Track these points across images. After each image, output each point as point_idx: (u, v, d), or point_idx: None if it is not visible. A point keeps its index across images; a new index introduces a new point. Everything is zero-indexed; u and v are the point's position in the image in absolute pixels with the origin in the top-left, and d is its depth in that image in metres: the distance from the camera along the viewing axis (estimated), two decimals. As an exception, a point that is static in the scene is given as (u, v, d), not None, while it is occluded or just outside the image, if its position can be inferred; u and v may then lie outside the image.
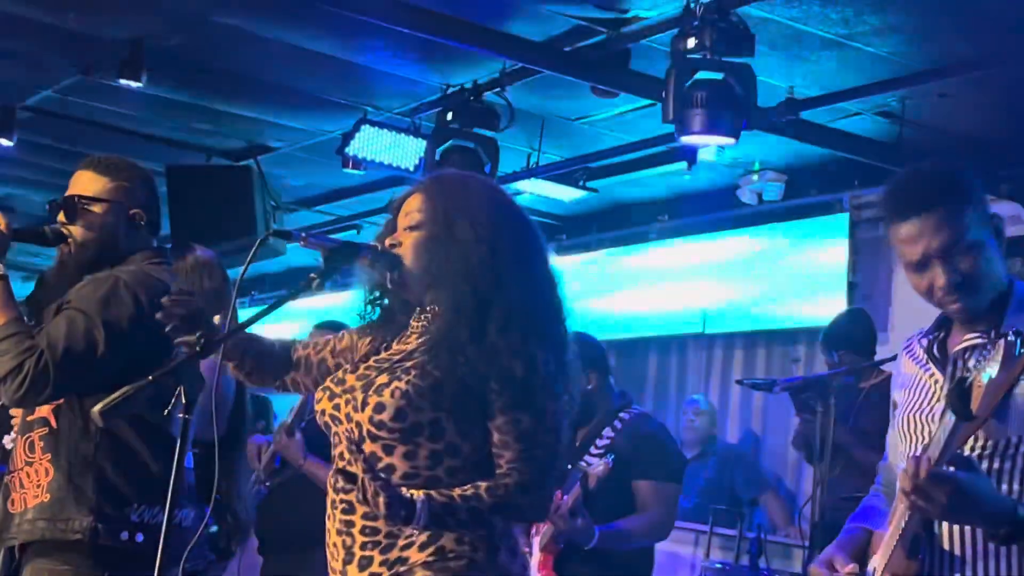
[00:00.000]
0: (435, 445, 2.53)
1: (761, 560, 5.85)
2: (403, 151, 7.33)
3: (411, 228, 2.68)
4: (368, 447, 2.56)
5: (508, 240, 2.61)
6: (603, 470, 4.49)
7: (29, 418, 3.25)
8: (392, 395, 2.53)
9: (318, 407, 2.69)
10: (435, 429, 2.53)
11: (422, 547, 2.51)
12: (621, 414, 4.75)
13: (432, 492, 2.46)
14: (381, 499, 2.38)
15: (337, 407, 2.63)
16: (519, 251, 2.62)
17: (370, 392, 2.56)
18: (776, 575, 5.80)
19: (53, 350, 3.06)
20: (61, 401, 3.18)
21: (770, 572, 5.82)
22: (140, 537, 3.14)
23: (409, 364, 2.59)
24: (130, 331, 3.14)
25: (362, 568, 2.54)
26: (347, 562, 2.56)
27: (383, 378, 2.58)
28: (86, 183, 3.35)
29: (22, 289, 3.38)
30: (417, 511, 2.42)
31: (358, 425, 2.57)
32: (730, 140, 5.59)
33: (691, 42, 5.30)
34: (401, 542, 2.52)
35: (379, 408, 2.53)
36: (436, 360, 2.55)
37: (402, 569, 2.51)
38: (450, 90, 6.89)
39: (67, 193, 3.37)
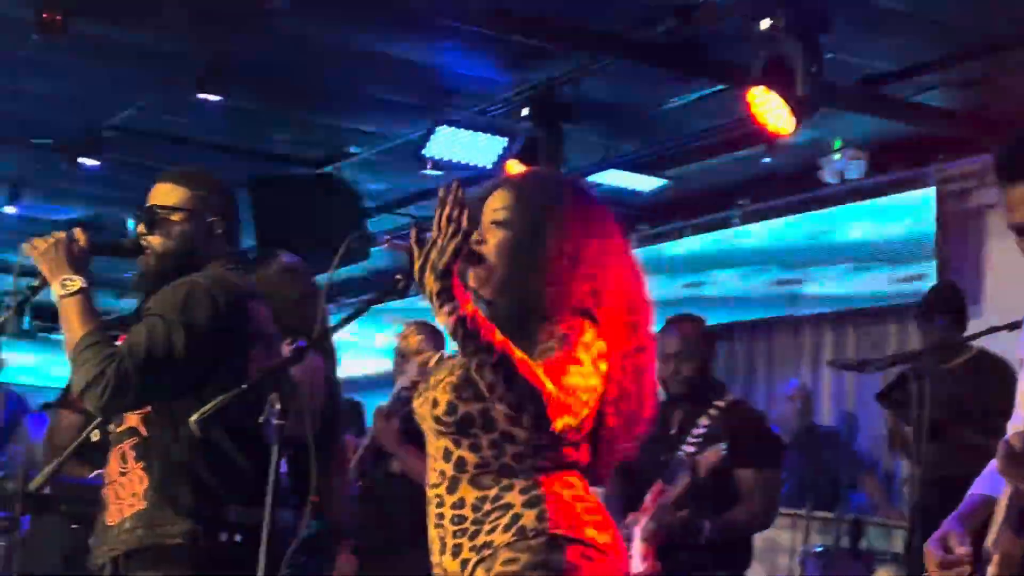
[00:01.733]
0: (491, 435, 2.55)
1: (861, 542, 5.79)
2: (481, 150, 7.35)
3: (497, 225, 2.68)
4: (441, 443, 2.61)
5: (585, 244, 2.62)
6: (716, 459, 4.47)
7: (118, 429, 3.28)
8: (444, 389, 2.58)
9: (414, 405, 2.74)
10: (486, 419, 2.54)
11: (505, 528, 2.52)
12: (716, 402, 4.73)
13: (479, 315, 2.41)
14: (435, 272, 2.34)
15: (421, 404, 2.68)
16: (593, 254, 2.63)
17: (434, 389, 2.62)
18: (877, 556, 5.73)
19: (134, 355, 3.09)
20: (149, 409, 3.20)
21: (870, 553, 5.76)
22: (239, 537, 3.17)
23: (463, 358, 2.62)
24: (209, 334, 3.16)
25: (455, 556, 2.57)
26: (442, 552, 2.60)
27: (443, 374, 2.64)
28: (165, 194, 3.39)
29: (110, 304, 3.42)
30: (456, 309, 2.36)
31: (429, 422, 2.63)
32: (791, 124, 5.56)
33: (765, 23, 5.26)
34: (487, 526, 2.54)
35: (435, 403, 2.59)
36: None
37: (488, 553, 2.52)
38: (524, 87, 6.90)
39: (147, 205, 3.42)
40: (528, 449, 2.55)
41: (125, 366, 3.06)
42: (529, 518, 2.51)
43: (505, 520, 2.53)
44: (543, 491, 2.54)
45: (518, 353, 2.40)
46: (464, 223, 2.39)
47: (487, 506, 2.55)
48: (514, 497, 2.54)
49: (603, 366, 2.56)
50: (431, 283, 2.37)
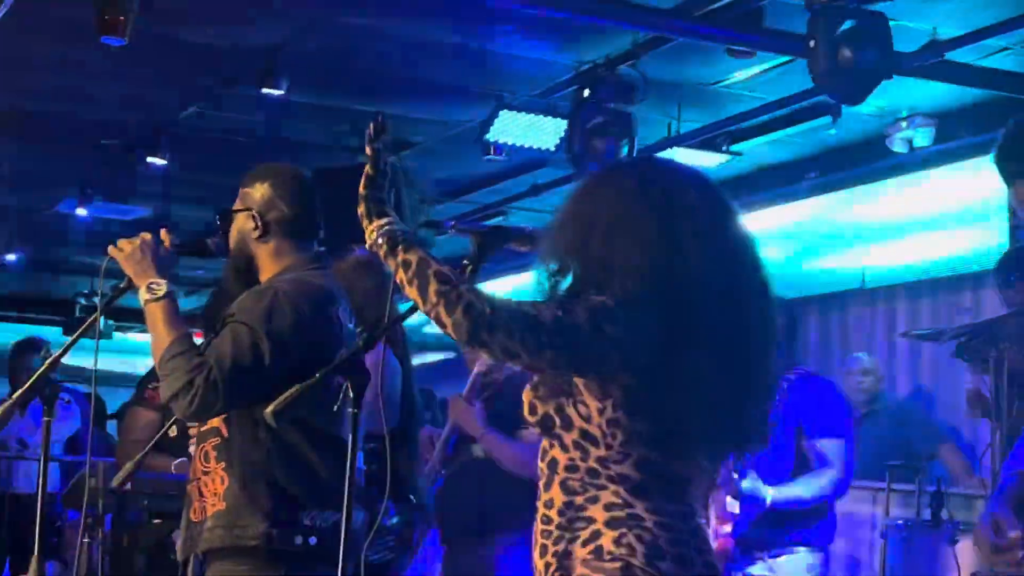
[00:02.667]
0: (571, 434, 2.50)
1: (943, 513, 5.71)
2: (542, 133, 7.33)
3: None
4: (543, 439, 2.59)
5: (627, 219, 2.49)
6: None
7: (202, 429, 3.33)
8: (527, 388, 2.56)
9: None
10: (563, 417, 2.49)
11: (584, 543, 2.47)
12: (787, 375, 4.72)
13: (399, 233, 2.57)
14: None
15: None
16: (646, 228, 2.49)
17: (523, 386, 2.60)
18: (960, 527, 5.66)
19: (221, 365, 3.12)
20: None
21: (953, 524, 5.68)
22: (313, 540, 3.19)
23: None
24: (293, 341, 3.18)
25: (541, 555, 2.54)
26: (535, 545, 2.58)
27: None
28: (240, 195, 3.44)
29: (185, 303, 3.44)
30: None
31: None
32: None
33: (826, -8, 5.20)
34: (568, 535, 2.49)
35: (521, 403, 2.57)
36: None
37: (567, 562, 2.49)
38: (584, 67, 6.86)
39: None
40: (612, 454, 2.47)
41: (213, 376, 3.09)
42: (608, 540, 2.44)
43: (585, 534, 2.47)
44: (627, 513, 2.46)
45: (440, 268, 2.43)
46: (368, 151, 2.62)
47: (571, 513, 2.49)
48: (597, 512, 2.47)
49: (609, 330, 2.40)
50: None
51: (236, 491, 3.21)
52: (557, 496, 2.52)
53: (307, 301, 3.24)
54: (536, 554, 2.56)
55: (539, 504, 2.56)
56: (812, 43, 5.34)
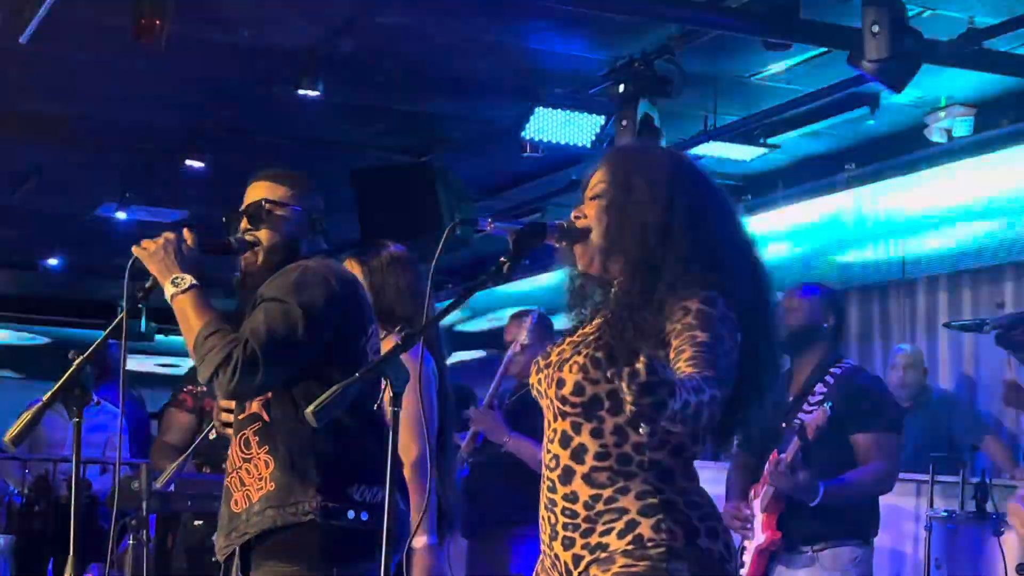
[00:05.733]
0: (618, 419, 2.53)
1: (987, 504, 5.68)
2: (579, 129, 7.34)
3: (594, 198, 2.67)
4: (560, 425, 2.59)
5: (684, 198, 2.59)
6: (821, 418, 4.44)
7: (240, 417, 3.32)
8: (571, 369, 2.56)
9: (531, 380, 2.74)
10: (615, 401, 2.50)
11: (620, 535, 2.50)
12: (832, 369, 4.71)
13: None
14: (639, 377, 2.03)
15: (540, 381, 2.68)
16: (696, 208, 2.60)
17: (559, 369, 2.60)
18: (1005, 519, 5.61)
19: (257, 336, 3.12)
20: (269, 395, 3.24)
21: (998, 516, 5.64)
22: (364, 516, 3.19)
23: (591, 338, 2.61)
24: (325, 311, 3.20)
25: (565, 547, 2.56)
26: (552, 538, 2.59)
27: (569, 353, 2.61)
28: (266, 191, 3.44)
29: (224, 305, 3.45)
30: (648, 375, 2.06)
31: (551, 402, 2.62)
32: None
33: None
34: (599, 528, 2.52)
35: (560, 383, 2.56)
36: (611, 327, 2.55)
37: (603, 555, 2.51)
38: (619, 62, 6.85)
39: (246, 203, 3.46)
40: (652, 440, 2.52)
41: (251, 347, 3.10)
42: (646, 527, 2.49)
43: (620, 525, 2.50)
44: (659, 500, 2.52)
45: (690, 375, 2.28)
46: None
47: (599, 506, 2.53)
48: (629, 502, 2.52)
49: (739, 336, 2.51)
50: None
51: (284, 469, 3.21)
52: (581, 490, 2.55)
53: (335, 275, 3.30)
54: (557, 545, 2.57)
55: (555, 496, 2.58)
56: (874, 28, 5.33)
